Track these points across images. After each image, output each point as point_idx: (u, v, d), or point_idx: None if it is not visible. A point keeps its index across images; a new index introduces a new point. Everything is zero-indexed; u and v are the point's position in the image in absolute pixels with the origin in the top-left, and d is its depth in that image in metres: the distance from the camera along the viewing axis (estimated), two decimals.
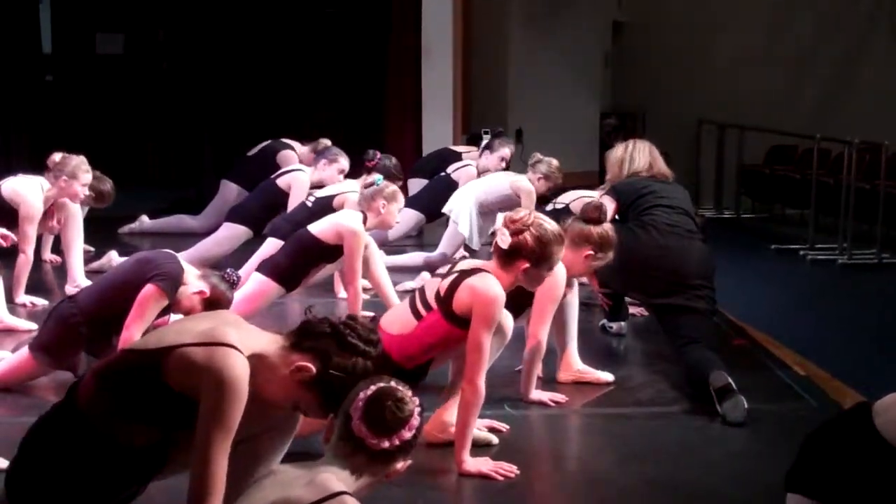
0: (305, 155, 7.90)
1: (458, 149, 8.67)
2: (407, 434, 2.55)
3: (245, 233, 7.00)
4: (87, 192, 5.94)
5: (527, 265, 3.62)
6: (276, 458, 2.86)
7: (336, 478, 2.51)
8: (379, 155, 6.90)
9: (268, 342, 2.67)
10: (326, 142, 7.77)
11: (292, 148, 8.11)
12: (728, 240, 8.60)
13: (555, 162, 6.98)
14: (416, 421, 2.57)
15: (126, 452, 2.62)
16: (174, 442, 2.64)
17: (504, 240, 3.61)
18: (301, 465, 2.61)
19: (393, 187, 5.52)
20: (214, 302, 4.12)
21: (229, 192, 8.20)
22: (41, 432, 2.72)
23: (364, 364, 2.62)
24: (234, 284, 4.22)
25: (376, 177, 5.94)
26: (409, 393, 2.61)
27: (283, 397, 2.66)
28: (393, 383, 2.60)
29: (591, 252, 4.38)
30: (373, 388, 2.57)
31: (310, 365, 2.59)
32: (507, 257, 3.63)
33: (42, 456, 2.66)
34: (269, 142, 8.32)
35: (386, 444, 2.53)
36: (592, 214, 4.43)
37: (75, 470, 2.62)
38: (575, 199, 6.26)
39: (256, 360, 2.61)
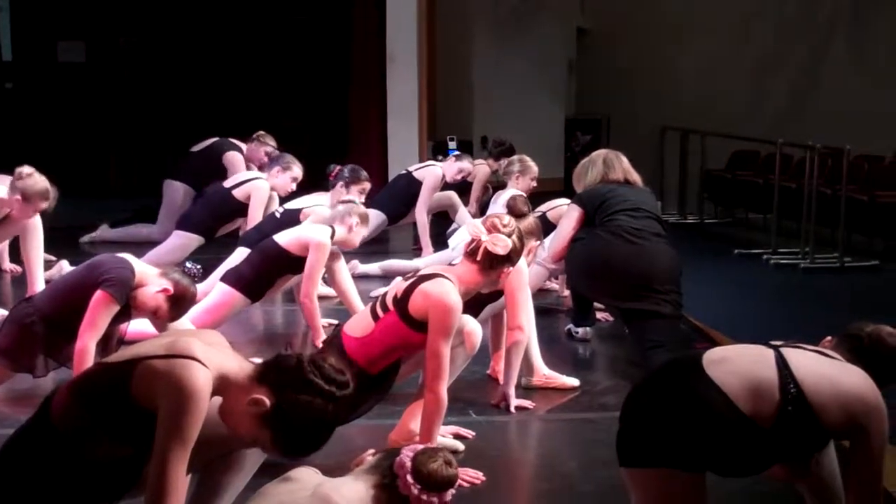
0: (253, 150, 7.86)
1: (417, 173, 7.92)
2: (446, 497, 2.60)
3: (197, 240, 6.92)
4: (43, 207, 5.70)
5: (510, 268, 3.68)
6: (253, 470, 2.84)
7: (344, 493, 2.51)
8: (337, 167, 6.75)
9: (237, 368, 2.58)
10: (271, 141, 7.69)
11: (240, 150, 8.01)
12: (691, 245, 8.63)
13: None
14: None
15: (96, 468, 2.58)
16: (146, 459, 2.56)
17: (502, 246, 3.62)
18: (316, 476, 2.63)
19: (366, 211, 5.55)
20: (179, 298, 4.08)
21: (175, 191, 8.11)
22: (14, 446, 2.67)
23: (323, 405, 2.48)
24: (195, 277, 4.17)
25: (353, 197, 5.96)
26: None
27: (243, 430, 2.56)
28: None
29: (538, 243, 4.66)
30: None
31: (265, 399, 2.48)
32: (497, 262, 3.64)
33: (12, 469, 2.63)
34: (215, 139, 8.17)
35: (424, 497, 2.55)
36: (522, 208, 4.63)
37: (45, 484, 2.58)
38: (551, 207, 6.31)
39: (221, 383, 2.55)
